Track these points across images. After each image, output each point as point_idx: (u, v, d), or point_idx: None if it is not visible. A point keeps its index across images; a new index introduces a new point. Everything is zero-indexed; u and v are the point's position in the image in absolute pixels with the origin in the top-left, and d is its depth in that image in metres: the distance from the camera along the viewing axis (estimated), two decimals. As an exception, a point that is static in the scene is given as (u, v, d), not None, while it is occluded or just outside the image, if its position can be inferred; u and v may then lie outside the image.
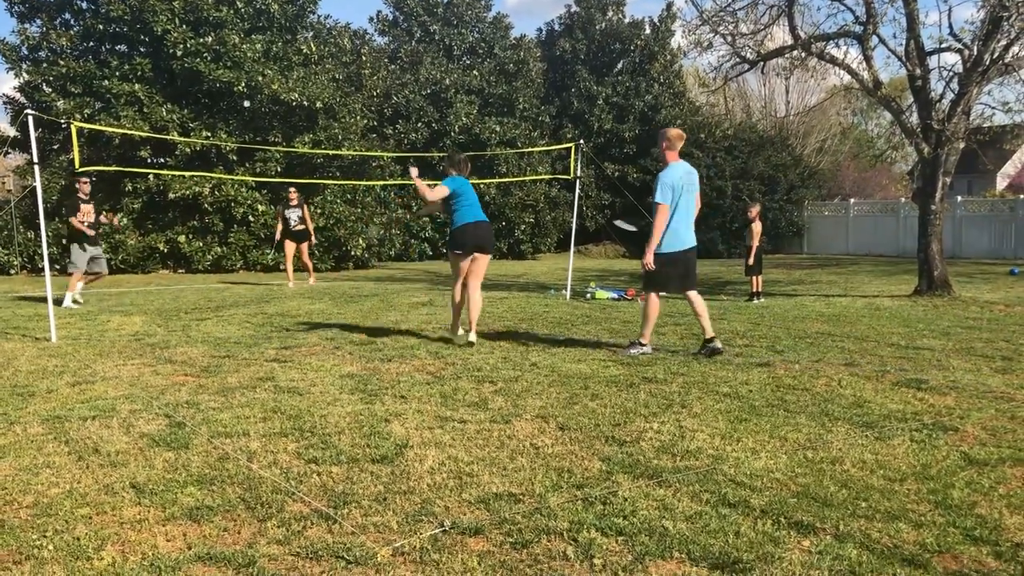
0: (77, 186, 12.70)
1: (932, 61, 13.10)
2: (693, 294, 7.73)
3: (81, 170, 12.42)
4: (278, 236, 16.02)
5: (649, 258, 7.49)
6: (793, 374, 6.58)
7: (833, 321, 10.05)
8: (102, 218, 12.89)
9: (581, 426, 4.94)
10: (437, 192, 8.03)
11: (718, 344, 7.55)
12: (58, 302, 11.00)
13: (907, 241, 25.37)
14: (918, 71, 12.93)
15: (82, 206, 12.20)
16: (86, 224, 12.11)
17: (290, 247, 15.89)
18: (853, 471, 4.09)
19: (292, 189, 16.25)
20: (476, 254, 8.17)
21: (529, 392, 5.92)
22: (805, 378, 6.41)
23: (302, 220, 15.80)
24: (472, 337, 8.13)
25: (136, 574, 2.96)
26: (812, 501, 3.66)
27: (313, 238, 16.73)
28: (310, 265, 16.59)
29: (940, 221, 13.35)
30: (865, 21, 13.19)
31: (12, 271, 19.65)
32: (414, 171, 8.30)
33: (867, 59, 13.34)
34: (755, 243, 12.76)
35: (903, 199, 28.81)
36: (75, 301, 12.05)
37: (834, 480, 3.95)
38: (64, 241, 15.17)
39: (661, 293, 7.91)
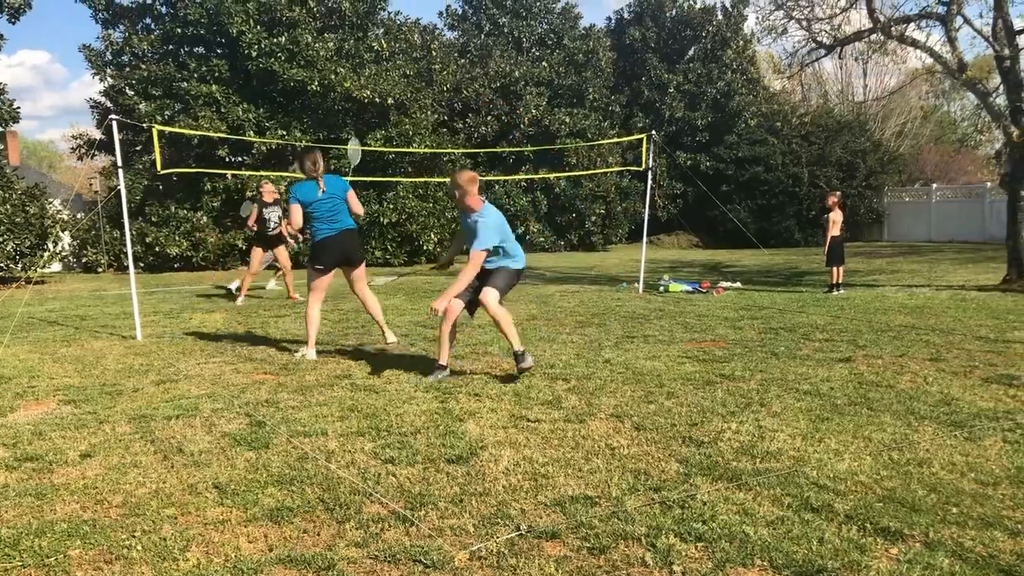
0: (260, 190, 12.62)
1: (1021, 40, 12.54)
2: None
3: (163, 172, 12.79)
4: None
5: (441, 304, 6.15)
6: (876, 370, 6.39)
7: (917, 313, 9.73)
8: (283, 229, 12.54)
9: (657, 426, 4.87)
10: (294, 216, 7.30)
11: (529, 362, 6.26)
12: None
13: (993, 227, 24.44)
14: (1006, 51, 12.40)
15: (263, 211, 12.31)
16: (256, 228, 12.38)
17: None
18: (942, 474, 3.94)
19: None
20: (344, 268, 7.51)
21: (603, 390, 5.87)
22: (889, 374, 6.21)
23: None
24: (391, 336, 7.61)
25: (220, 576, 3.02)
26: (899, 506, 3.54)
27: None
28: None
29: (1030, 207, 12.81)
30: (948, 1, 12.70)
31: (100, 269, 20.40)
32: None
33: (951, 41, 12.85)
34: (832, 233, 12.41)
35: (988, 183, 27.76)
36: (239, 291, 12.58)
37: (922, 483, 3.82)
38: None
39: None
